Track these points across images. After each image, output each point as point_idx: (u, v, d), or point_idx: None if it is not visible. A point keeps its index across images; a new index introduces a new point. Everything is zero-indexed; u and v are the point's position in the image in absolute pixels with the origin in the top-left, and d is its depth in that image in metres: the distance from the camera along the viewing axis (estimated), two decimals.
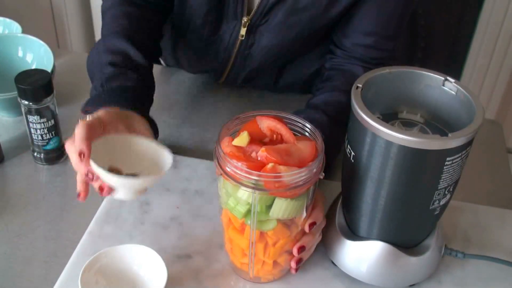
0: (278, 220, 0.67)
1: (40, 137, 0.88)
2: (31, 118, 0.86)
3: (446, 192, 0.66)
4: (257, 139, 0.67)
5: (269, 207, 0.65)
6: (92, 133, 0.68)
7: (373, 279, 0.73)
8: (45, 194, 0.86)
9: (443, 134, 0.62)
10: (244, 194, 0.65)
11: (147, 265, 0.70)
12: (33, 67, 1.04)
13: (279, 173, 0.62)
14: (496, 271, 0.76)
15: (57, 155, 0.91)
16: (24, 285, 0.73)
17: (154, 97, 1.05)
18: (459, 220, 0.83)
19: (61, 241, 0.79)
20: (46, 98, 0.84)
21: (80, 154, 0.66)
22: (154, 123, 0.83)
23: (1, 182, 0.88)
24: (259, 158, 0.64)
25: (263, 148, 0.64)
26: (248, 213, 0.66)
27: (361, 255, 0.72)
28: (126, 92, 0.81)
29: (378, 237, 0.71)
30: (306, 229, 0.69)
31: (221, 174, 0.65)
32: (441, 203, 0.67)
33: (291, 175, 0.62)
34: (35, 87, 0.83)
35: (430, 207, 0.67)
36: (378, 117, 0.62)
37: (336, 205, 0.77)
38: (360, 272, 0.73)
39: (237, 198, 0.66)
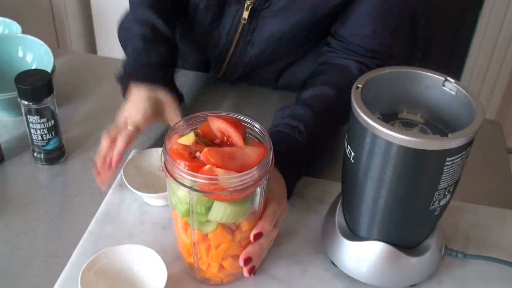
0: (220, 223, 0.65)
1: (40, 137, 0.88)
2: (31, 118, 0.86)
3: (446, 193, 0.66)
4: (210, 140, 0.66)
5: (209, 209, 0.64)
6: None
7: (373, 279, 0.73)
8: (45, 194, 0.86)
9: (443, 134, 0.62)
10: (183, 193, 0.63)
11: (147, 265, 0.70)
12: (33, 67, 1.04)
13: (216, 175, 0.61)
14: (496, 271, 0.76)
15: (57, 155, 0.91)
16: (24, 285, 0.73)
17: None
18: (459, 220, 0.83)
19: (61, 241, 0.79)
20: (46, 98, 0.84)
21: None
22: (178, 91, 0.95)
23: (1, 182, 0.88)
24: (201, 159, 0.63)
25: (205, 149, 0.62)
26: (188, 212, 0.65)
27: (361, 255, 0.72)
28: (155, 68, 0.91)
29: (378, 238, 0.71)
30: (251, 238, 0.68)
31: (162, 170, 0.64)
32: (441, 203, 0.67)
33: (227, 179, 0.61)
34: (35, 87, 0.83)
35: (430, 208, 0.67)
36: (378, 117, 0.62)
37: (336, 205, 0.77)
38: (360, 272, 0.73)
39: (178, 197, 0.65)
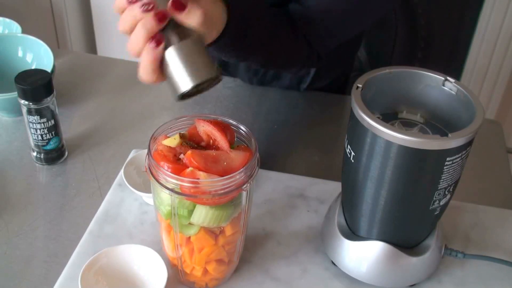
0: (202, 227, 0.65)
1: (40, 137, 0.88)
2: (31, 118, 0.86)
3: (446, 192, 0.66)
4: (196, 142, 0.66)
5: (192, 212, 0.63)
6: None
7: (373, 279, 0.73)
8: (45, 194, 0.86)
9: (443, 134, 0.62)
10: (166, 195, 0.63)
11: (147, 265, 0.70)
12: (33, 67, 1.04)
13: (197, 178, 0.60)
14: (496, 271, 0.76)
15: (57, 155, 0.91)
16: (24, 285, 0.73)
17: (155, 97, 1.05)
18: (459, 220, 0.83)
19: (61, 241, 0.79)
20: (46, 98, 0.84)
21: None
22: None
23: (1, 182, 0.88)
24: (184, 161, 0.62)
25: (189, 152, 0.62)
26: (171, 214, 0.64)
27: (361, 255, 0.72)
28: None
29: (378, 237, 0.71)
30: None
31: (146, 171, 0.64)
32: (441, 203, 0.67)
33: (209, 183, 0.60)
34: (35, 87, 0.83)
35: (430, 207, 0.67)
36: (378, 117, 0.62)
37: (336, 205, 0.77)
38: (360, 272, 0.73)
39: (161, 198, 0.65)
